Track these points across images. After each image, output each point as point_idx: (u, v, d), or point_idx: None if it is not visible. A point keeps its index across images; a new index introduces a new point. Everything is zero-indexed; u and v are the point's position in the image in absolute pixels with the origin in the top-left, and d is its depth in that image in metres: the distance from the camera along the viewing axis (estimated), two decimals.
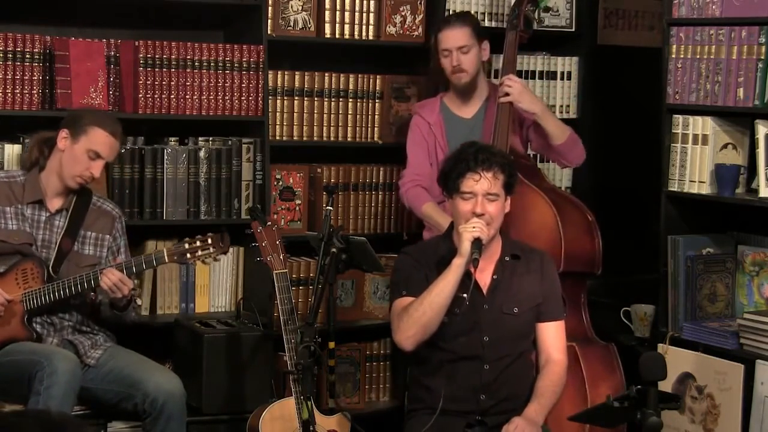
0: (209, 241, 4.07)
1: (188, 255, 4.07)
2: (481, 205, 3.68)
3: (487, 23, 5.13)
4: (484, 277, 3.80)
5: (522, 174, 4.15)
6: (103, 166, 4.14)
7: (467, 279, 3.72)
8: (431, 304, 3.66)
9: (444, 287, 3.66)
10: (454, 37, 4.60)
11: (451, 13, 5.08)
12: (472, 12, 5.11)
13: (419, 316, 3.68)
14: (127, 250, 4.33)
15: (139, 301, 4.71)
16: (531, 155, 4.93)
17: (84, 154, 4.09)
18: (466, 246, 3.64)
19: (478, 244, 3.64)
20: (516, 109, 4.56)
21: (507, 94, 4.51)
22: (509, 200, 3.79)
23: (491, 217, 3.69)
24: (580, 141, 4.64)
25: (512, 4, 4.73)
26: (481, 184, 3.68)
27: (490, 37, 4.71)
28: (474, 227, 3.65)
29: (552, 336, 3.86)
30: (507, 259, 3.83)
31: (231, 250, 4.88)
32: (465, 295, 3.68)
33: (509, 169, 3.74)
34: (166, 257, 4.06)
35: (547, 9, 5.28)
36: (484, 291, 3.79)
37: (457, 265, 3.66)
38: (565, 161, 4.68)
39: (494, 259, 3.83)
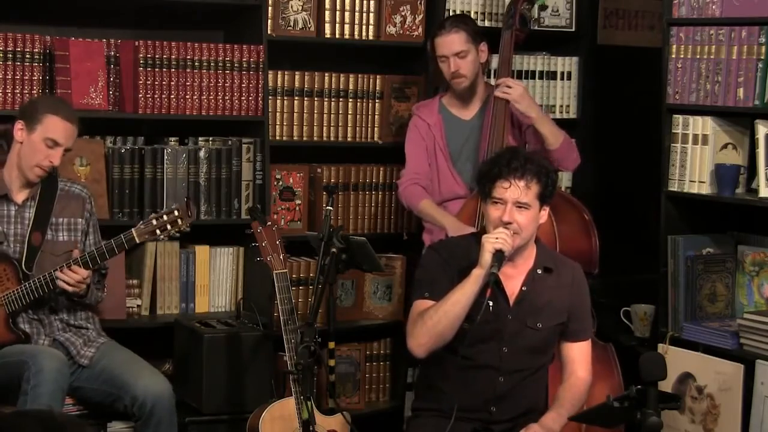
0: (176, 213, 4.00)
1: (158, 232, 4.00)
2: (509, 213, 3.58)
3: (486, 23, 5.13)
4: (513, 286, 3.70)
5: None
6: (62, 154, 4.07)
7: (495, 286, 3.62)
8: (446, 314, 3.56)
9: (460, 298, 3.55)
10: (449, 44, 4.58)
11: (451, 13, 5.08)
12: (471, 12, 5.12)
13: (433, 324, 3.58)
14: (96, 230, 4.27)
15: (136, 302, 4.72)
16: None
17: (41, 143, 4.03)
18: (486, 258, 3.53)
19: (499, 257, 3.52)
20: (513, 110, 4.56)
21: (506, 92, 4.49)
22: (546, 210, 3.70)
23: (519, 227, 3.59)
24: (575, 146, 4.62)
25: (508, 2, 4.73)
26: (511, 191, 3.58)
27: (488, 37, 4.69)
28: (497, 238, 3.54)
29: (577, 355, 3.79)
30: (539, 272, 3.72)
31: (231, 250, 4.89)
32: (490, 302, 3.59)
33: (545, 179, 3.63)
34: (136, 238, 3.99)
35: (544, 7, 5.27)
36: (511, 301, 3.69)
37: (476, 276, 3.54)
38: (560, 167, 4.63)
39: (526, 270, 3.72)
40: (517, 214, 3.59)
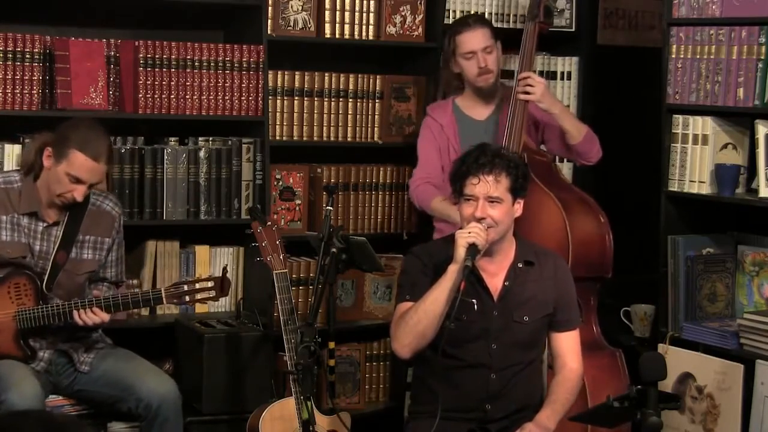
0: (210, 284, 4.03)
1: (187, 298, 4.03)
2: (481, 209, 3.60)
3: None
4: (496, 282, 3.71)
5: (534, 172, 4.11)
6: (86, 190, 3.97)
7: (478, 284, 3.66)
8: (426, 313, 3.58)
9: (438, 295, 3.57)
10: (476, 39, 4.53)
11: (451, 13, 5.08)
12: (471, 12, 5.12)
13: (414, 324, 3.60)
14: (120, 246, 4.24)
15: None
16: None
17: (65, 176, 3.94)
18: (460, 252, 3.55)
19: (473, 251, 3.54)
20: (533, 108, 4.52)
21: (527, 92, 4.44)
22: (521, 203, 3.70)
23: (494, 221, 3.60)
24: (597, 139, 4.56)
25: None
26: (481, 187, 3.60)
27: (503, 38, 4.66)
28: (469, 233, 3.56)
29: (567, 345, 3.78)
30: (520, 265, 3.73)
31: (231, 250, 4.89)
32: (474, 300, 3.62)
33: (515, 172, 3.64)
34: (164, 299, 4.01)
35: None
36: (495, 297, 3.70)
37: (452, 272, 3.56)
38: (583, 160, 4.59)
39: (507, 265, 3.73)
40: (490, 208, 3.62)
